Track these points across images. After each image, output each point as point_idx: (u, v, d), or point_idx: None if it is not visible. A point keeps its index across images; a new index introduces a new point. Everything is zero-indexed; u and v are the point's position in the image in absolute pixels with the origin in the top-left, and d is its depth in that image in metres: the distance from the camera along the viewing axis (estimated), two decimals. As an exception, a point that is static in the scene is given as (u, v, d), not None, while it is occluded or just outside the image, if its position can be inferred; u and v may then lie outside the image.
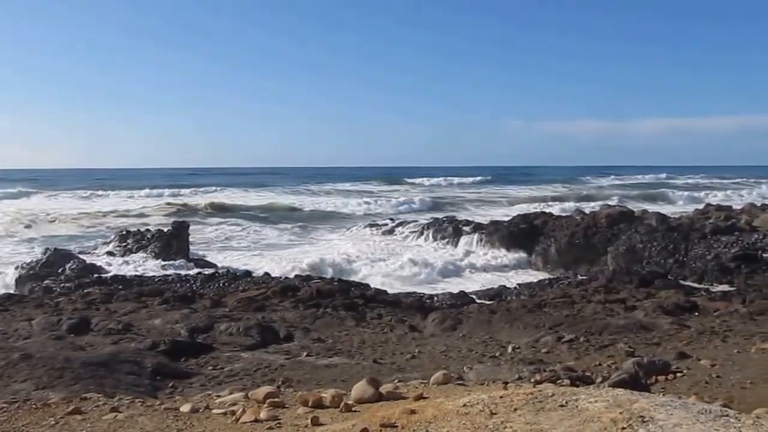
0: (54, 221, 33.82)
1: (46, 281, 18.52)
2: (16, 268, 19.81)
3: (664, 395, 4.41)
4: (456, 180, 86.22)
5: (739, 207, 33.63)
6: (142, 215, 38.99)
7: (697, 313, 12.56)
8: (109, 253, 23.88)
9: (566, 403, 3.44)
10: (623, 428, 3.01)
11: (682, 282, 18.15)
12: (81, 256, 21.90)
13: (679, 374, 7.36)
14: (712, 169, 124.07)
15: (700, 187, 71.15)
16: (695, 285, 17.97)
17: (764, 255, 20.48)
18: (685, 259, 20.62)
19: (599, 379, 7.13)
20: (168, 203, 45.25)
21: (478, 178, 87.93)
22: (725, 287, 17.40)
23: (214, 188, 62.41)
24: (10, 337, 10.37)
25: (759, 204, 34.95)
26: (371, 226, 32.26)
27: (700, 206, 37.40)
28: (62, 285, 17.96)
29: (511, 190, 66.66)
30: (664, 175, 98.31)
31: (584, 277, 19.20)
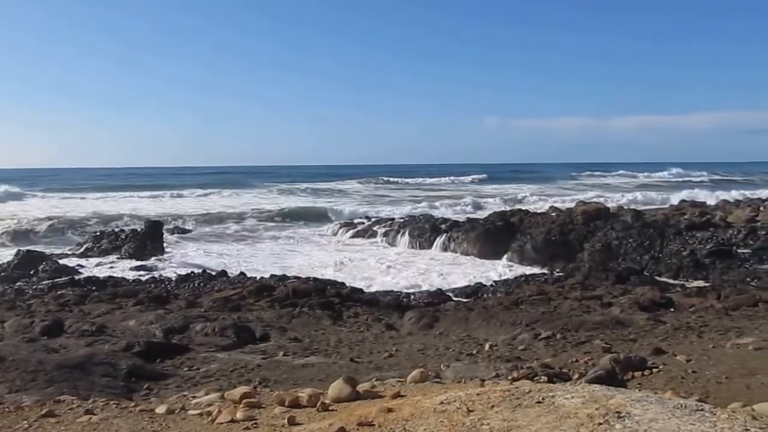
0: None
1: (18, 283, 18.24)
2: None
3: (640, 391, 4.43)
4: (452, 179, 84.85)
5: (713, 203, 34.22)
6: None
7: (672, 309, 12.70)
8: (83, 254, 23.61)
9: (543, 399, 3.44)
10: (599, 424, 3.01)
11: (657, 278, 18.36)
12: (54, 258, 21.63)
13: (655, 370, 7.41)
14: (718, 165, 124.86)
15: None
16: (671, 281, 18.19)
17: (739, 251, 20.79)
18: (660, 255, 20.86)
19: (576, 376, 7.16)
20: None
21: (482, 176, 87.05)
22: (700, 283, 17.61)
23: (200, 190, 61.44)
24: (-19, 340, 10.20)
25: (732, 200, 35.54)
26: (345, 226, 32.15)
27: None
28: (35, 287, 17.70)
29: (537, 187, 65.47)
30: (675, 171, 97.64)
31: (561, 274, 19.34)
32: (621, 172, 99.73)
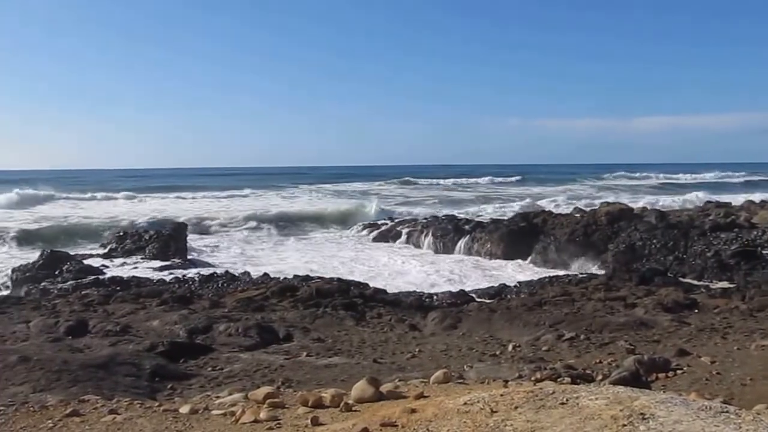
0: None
1: (43, 283, 18.47)
2: (13, 270, 19.76)
3: (664, 392, 4.39)
4: (491, 179, 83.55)
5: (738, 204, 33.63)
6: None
7: (696, 311, 12.57)
8: (107, 255, 23.85)
9: (567, 400, 3.42)
10: (624, 425, 2.99)
11: (681, 279, 18.18)
12: (78, 258, 21.87)
13: (679, 371, 7.34)
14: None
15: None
16: (695, 282, 17.99)
17: (764, 252, 20.49)
18: (684, 256, 20.63)
19: (600, 377, 7.11)
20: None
21: (514, 178, 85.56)
22: (725, 284, 17.41)
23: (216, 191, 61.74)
24: (7, 339, 10.33)
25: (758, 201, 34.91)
26: (369, 227, 32.14)
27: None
28: (59, 287, 17.91)
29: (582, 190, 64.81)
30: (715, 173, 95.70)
31: (584, 275, 19.20)
32: (660, 174, 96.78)
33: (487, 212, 38.91)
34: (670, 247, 21.15)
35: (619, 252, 21.58)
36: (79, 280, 18.50)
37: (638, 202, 39.38)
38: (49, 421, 4.68)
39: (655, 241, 21.55)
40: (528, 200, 46.08)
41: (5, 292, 18.36)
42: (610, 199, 39.49)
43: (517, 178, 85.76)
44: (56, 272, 19.57)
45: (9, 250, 26.66)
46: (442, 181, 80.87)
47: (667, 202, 43.97)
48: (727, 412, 3.14)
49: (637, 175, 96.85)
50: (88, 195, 55.36)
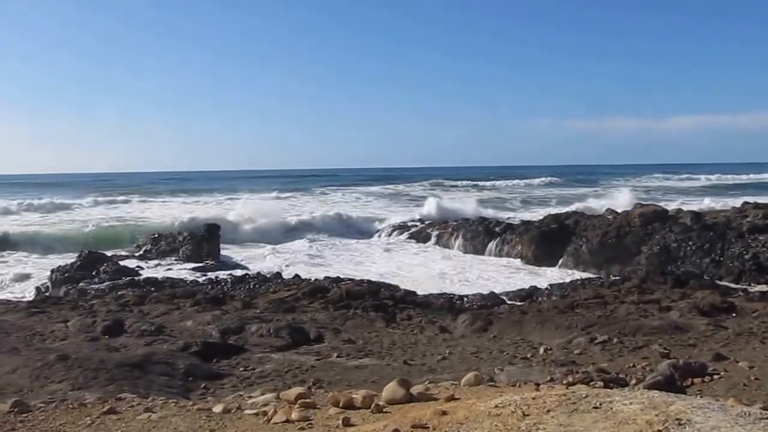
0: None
1: (81, 284, 18.81)
2: (53, 271, 20.14)
3: (701, 398, 4.32)
4: (526, 182, 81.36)
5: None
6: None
7: (734, 314, 12.33)
8: (142, 256, 24.20)
9: (600, 404, 3.39)
10: (659, 431, 2.95)
11: (718, 282, 17.84)
12: (114, 259, 22.23)
13: (716, 376, 7.22)
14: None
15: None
16: (732, 285, 17.66)
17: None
18: (721, 258, 20.25)
19: (633, 381, 7.03)
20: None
21: (547, 179, 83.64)
22: (763, 287, 17.08)
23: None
24: (47, 338, 10.55)
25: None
26: (399, 228, 32.03)
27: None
28: (96, 287, 18.23)
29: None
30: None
31: (617, 278, 18.97)
32: (712, 175, 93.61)
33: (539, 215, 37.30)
34: (706, 249, 20.78)
35: (653, 254, 21.26)
36: (116, 281, 18.82)
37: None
38: (88, 418, 4.77)
39: (690, 243, 21.20)
40: (587, 200, 42.98)
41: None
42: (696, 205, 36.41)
43: (551, 179, 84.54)
44: (93, 273, 19.92)
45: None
46: (477, 183, 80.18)
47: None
48: (767, 418, 3.08)
49: (685, 176, 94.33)
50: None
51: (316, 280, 18.33)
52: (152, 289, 17.48)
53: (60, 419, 4.82)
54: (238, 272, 20.59)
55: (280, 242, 29.33)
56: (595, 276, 20.06)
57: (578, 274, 20.65)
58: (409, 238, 29.69)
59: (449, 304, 15.35)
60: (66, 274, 19.73)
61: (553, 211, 35.06)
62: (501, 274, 21.32)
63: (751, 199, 31.32)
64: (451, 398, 4.30)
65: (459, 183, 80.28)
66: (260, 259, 24.67)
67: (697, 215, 24.54)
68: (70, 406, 5.26)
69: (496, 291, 17.41)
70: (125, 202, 51.30)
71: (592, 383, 6.39)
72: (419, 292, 16.95)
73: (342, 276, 18.95)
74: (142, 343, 9.98)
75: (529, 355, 9.57)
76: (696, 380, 7.07)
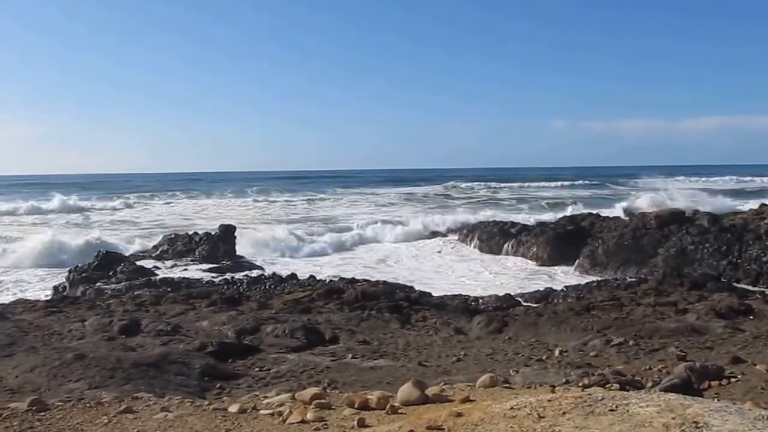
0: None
1: (98, 283, 18.96)
2: (70, 270, 20.31)
3: (718, 401, 4.28)
4: (561, 183, 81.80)
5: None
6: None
7: (752, 317, 12.21)
8: (159, 257, 24.33)
9: (616, 407, 3.37)
10: (676, 434, 2.93)
11: (735, 284, 17.67)
12: (131, 259, 22.37)
13: (733, 379, 7.15)
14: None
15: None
16: (750, 287, 17.52)
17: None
18: (739, 260, 20.08)
19: (649, 384, 6.98)
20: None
21: (581, 182, 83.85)
22: (781, 290, 16.90)
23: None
24: (64, 337, 10.64)
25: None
26: (416, 231, 31.92)
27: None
28: (113, 287, 18.36)
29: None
30: None
31: (633, 280, 18.85)
32: (728, 177, 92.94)
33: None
34: (724, 252, 20.61)
35: (669, 256, 21.12)
36: (132, 281, 18.95)
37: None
38: (104, 417, 4.81)
39: (707, 245, 21.03)
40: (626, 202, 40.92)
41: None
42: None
43: (575, 182, 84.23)
44: (110, 273, 20.06)
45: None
46: (492, 185, 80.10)
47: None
48: (784, 422, 3.05)
49: (704, 178, 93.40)
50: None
51: (331, 281, 18.37)
52: (168, 289, 17.58)
53: (77, 418, 4.86)
54: (254, 273, 20.66)
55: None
56: (611, 278, 19.93)
57: (594, 276, 20.55)
58: (424, 239, 29.60)
59: (464, 306, 15.30)
60: (83, 274, 19.89)
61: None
62: (516, 275, 21.26)
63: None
64: (467, 400, 4.30)
65: (474, 184, 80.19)
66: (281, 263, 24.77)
67: (714, 217, 24.34)
68: (87, 404, 5.31)
69: (512, 292, 17.37)
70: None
71: (607, 386, 6.36)
72: (434, 294, 16.94)
73: (358, 277, 18.96)
74: (158, 343, 10.03)
75: (544, 357, 9.52)
76: (713, 383, 7.00)
